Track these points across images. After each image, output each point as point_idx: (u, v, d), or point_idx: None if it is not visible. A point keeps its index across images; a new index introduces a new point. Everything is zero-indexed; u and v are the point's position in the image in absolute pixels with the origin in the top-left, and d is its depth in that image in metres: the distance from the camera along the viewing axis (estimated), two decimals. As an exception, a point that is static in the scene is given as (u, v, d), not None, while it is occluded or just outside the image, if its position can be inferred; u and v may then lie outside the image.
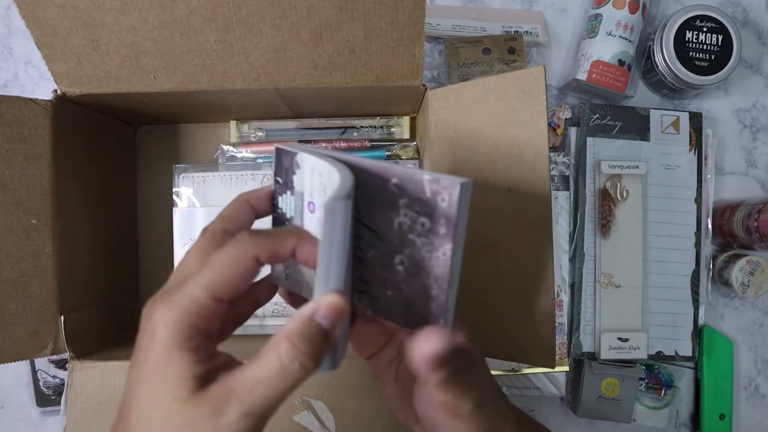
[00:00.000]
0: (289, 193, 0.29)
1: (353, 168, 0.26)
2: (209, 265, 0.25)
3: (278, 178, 0.30)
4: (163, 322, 0.24)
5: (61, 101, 0.43)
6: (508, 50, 0.61)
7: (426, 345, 0.25)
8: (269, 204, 0.30)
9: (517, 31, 0.63)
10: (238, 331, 0.31)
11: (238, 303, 0.30)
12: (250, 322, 0.32)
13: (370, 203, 0.27)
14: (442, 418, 0.28)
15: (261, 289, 0.31)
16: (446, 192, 0.25)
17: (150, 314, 0.25)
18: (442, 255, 0.26)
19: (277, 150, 0.29)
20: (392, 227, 0.27)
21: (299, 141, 0.56)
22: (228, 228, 0.28)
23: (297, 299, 0.32)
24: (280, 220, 0.30)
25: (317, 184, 0.27)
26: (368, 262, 0.28)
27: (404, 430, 0.42)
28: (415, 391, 0.31)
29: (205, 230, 0.28)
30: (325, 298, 0.24)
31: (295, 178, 0.29)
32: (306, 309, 0.24)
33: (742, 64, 0.64)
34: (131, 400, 0.25)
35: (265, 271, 0.31)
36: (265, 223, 0.31)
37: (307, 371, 0.24)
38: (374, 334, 0.33)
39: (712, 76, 0.59)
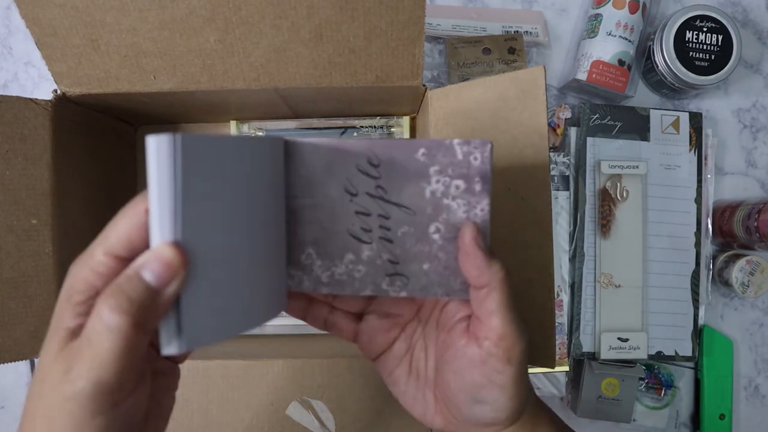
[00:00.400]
0: None
1: (373, 148, 0.27)
2: (109, 224, 0.24)
3: None
4: (66, 278, 0.24)
5: (61, 101, 0.43)
6: (508, 50, 0.61)
7: (465, 237, 0.27)
8: None
9: (517, 31, 0.63)
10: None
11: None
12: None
13: (395, 181, 0.28)
14: (491, 371, 0.28)
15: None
16: (478, 151, 0.27)
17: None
18: (480, 211, 0.28)
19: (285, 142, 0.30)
20: (424, 197, 0.28)
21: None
22: None
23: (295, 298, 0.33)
24: None
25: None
26: (399, 240, 0.29)
27: (404, 430, 0.42)
28: (446, 364, 0.30)
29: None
30: (155, 249, 0.22)
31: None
32: (133, 263, 0.23)
33: (742, 64, 0.64)
34: None
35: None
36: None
37: (127, 334, 0.22)
38: (385, 329, 0.32)
39: (712, 76, 0.59)
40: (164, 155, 0.21)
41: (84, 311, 0.23)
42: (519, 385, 0.28)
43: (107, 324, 0.22)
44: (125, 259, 0.23)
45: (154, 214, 0.21)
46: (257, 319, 0.27)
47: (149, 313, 0.22)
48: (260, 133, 0.56)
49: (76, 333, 0.23)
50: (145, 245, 0.23)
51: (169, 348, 0.22)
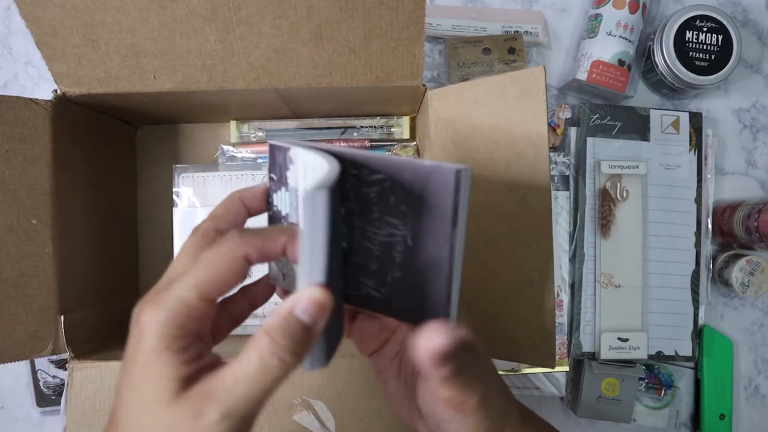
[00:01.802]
0: (283, 189, 0.29)
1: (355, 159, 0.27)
2: (198, 265, 0.25)
3: (272, 175, 0.30)
4: (150, 323, 0.24)
5: (61, 101, 0.43)
6: (508, 50, 0.61)
7: (430, 340, 0.24)
8: (263, 201, 0.30)
9: (517, 31, 0.63)
10: (238, 330, 0.31)
11: (235, 304, 0.30)
12: (249, 321, 0.32)
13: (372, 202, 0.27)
14: (447, 414, 0.28)
15: (258, 290, 0.31)
16: (442, 178, 0.24)
17: (138, 315, 0.25)
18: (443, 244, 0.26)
19: (271, 146, 0.29)
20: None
21: (301, 140, 0.56)
22: (220, 227, 0.28)
23: None
24: (275, 218, 0.30)
25: (310, 179, 0.26)
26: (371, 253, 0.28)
27: (404, 431, 0.42)
28: (418, 386, 0.30)
29: (196, 229, 0.28)
30: (306, 291, 0.23)
31: (288, 173, 0.28)
32: (286, 303, 0.24)
33: (742, 64, 0.64)
34: (119, 402, 0.25)
35: (263, 270, 0.31)
36: (260, 220, 0.31)
37: (287, 367, 0.23)
38: (375, 331, 0.32)
39: (712, 76, 0.59)
40: (317, 207, 0.22)
41: (191, 358, 0.24)
42: (481, 424, 0.28)
43: (276, 361, 0.23)
44: (215, 303, 0.25)
45: (304, 257, 0.23)
46: (342, 333, 0.31)
47: (307, 349, 0.24)
48: (260, 134, 0.56)
49: (189, 382, 0.23)
50: (232, 288, 0.25)
51: (313, 368, 0.26)
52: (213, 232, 0.28)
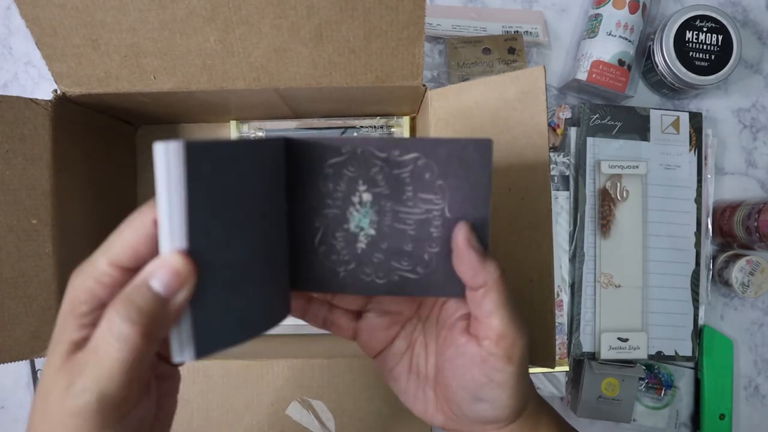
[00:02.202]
0: None
1: (373, 144, 0.28)
2: (113, 233, 0.24)
3: None
4: (68, 288, 0.24)
5: (61, 101, 0.43)
6: (508, 50, 0.61)
7: (458, 238, 0.27)
8: None
9: (517, 31, 0.63)
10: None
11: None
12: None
13: (393, 179, 0.28)
14: (491, 370, 0.28)
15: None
16: (476, 149, 0.28)
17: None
18: (477, 209, 0.29)
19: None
20: (421, 197, 0.28)
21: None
22: None
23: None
24: None
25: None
26: (398, 240, 0.29)
27: (404, 431, 0.42)
28: (446, 362, 0.30)
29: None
30: (164, 258, 0.22)
31: None
32: (142, 272, 0.22)
33: (742, 64, 0.64)
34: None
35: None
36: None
37: (134, 344, 0.21)
38: (385, 327, 0.32)
39: (712, 76, 0.59)
40: (171, 162, 0.20)
41: (89, 323, 0.23)
42: (520, 383, 0.28)
43: (117, 334, 0.21)
44: (130, 270, 0.23)
45: (162, 222, 0.21)
46: (266, 323, 0.27)
47: (158, 322, 0.22)
48: (260, 134, 0.56)
49: (80, 345, 0.23)
50: (151, 256, 0.23)
51: (181, 356, 0.22)
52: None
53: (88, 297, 0.23)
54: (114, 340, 0.21)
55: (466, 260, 0.27)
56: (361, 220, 0.29)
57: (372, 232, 0.29)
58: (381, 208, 0.28)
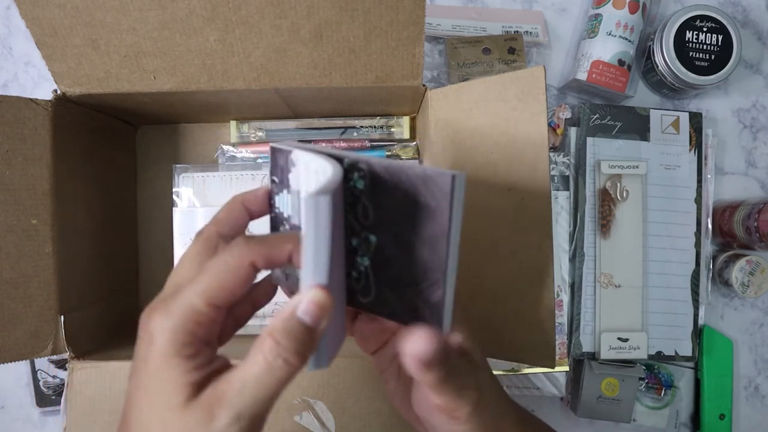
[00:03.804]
0: (285, 191, 0.29)
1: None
2: (205, 272, 0.25)
3: (274, 177, 0.30)
4: (160, 330, 0.24)
5: (61, 101, 0.43)
6: (508, 50, 0.61)
7: (414, 345, 0.24)
8: (264, 204, 0.30)
9: (517, 31, 0.63)
10: (239, 331, 0.31)
11: (238, 306, 0.30)
12: (250, 322, 0.32)
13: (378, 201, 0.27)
14: (440, 420, 0.29)
15: (260, 291, 0.31)
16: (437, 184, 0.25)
17: (147, 322, 0.25)
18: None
19: (272, 149, 0.30)
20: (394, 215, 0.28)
21: (299, 141, 0.56)
22: (222, 231, 0.29)
23: None
24: (277, 220, 0.30)
25: (313, 181, 0.27)
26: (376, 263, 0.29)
27: (403, 431, 0.42)
28: (412, 390, 0.31)
29: (199, 234, 0.28)
30: (308, 293, 0.24)
31: (290, 176, 0.29)
32: (288, 305, 0.24)
33: (742, 64, 0.64)
34: (130, 408, 0.25)
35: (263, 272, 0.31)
36: (262, 223, 0.31)
37: (292, 368, 0.24)
38: (376, 332, 0.33)
39: (712, 76, 0.59)
40: (318, 208, 0.22)
41: (201, 364, 0.24)
42: (479, 424, 0.29)
43: (280, 363, 0.23)
44: (224, 309, 0.25)
45: (306, 260, 0.23)
46: (345, 333, 0.31)
47: (310, 350, 0.24)
48: (260, 134, 0.56)
49: (200, 386, 0.24)
50: (242, 295, 0.25)
51: (317, 367, 0.26)
52: (216, 236, 0.28)
53: (191, 339, 0.24)
54: (278, 368, 0.23)
55: (415, 363, 0.25)
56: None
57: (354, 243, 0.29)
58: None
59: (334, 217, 0.24)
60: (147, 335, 0.24)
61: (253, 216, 0.30)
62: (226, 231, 0.29)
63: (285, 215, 0.30)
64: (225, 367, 0.25)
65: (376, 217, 0.27)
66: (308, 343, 0.24)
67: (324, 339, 0.25)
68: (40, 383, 0.60)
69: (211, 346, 0.26)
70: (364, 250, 0.28)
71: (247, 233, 0.29)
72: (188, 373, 0.24)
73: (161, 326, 0.24)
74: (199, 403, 0.23)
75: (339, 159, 0.27)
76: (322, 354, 0.25)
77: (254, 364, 0.23)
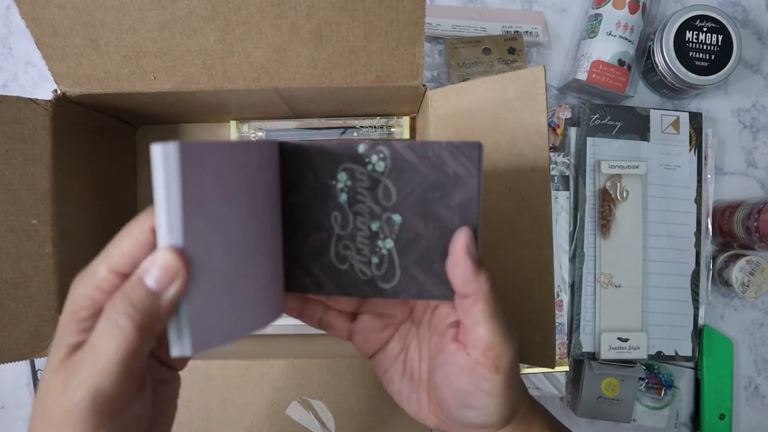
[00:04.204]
0: None
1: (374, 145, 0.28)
2: (112, 241, 0.24)
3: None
4: (69, 295, 0.25)
5: (61, 101, 0.43)
6: (508, 50, 0.61)
7: (457, 244, 0.27)
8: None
9: (517, 31, 0.63)
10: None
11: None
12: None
13: (390, 182, 0.28)
14: (478, 379, 0.28)
15: None
16: (466, 155, 0.27)
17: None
18: (471, 216, 0.28)
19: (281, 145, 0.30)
20: (416, 200, 0.28)
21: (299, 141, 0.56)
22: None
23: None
24: None
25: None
26: (391, 242, 0.29)
27: (404, 430, 0.42)
28: (437, 367, 0.30)
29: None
30: (157, 254, 0.22)
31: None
32: (137, 269, 0.23)
33: (742, 64, 0.64)
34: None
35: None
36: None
37: (128, 335, 0.22)
38: (379, 329, 0.33)
39: (712, 76, 0.59)
40: (168, 163, 0.21)
41: (88, 327, 0.24)
42: (508, 391, 0.28)
43: (113, 328, 0.22)
44: (129, 276, 0.24)
45: (159, 220, 0.22)
46: (261, 320, 0.28)
47: (152, 317, 0.23)
48: (260, 134, 0.56)
49: (77, 348, 0.24)
50: (140, 259, 0.24)
51: (179, 350, 0.23)
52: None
53: (88, 302, 0.24)
54: (110, 334, 0.22)
55: (461, 267, 0.27)
56: (367, 226, 0.29)
57: (369, 234, 0.29)
58: (381, 215, 0.29)
59: (229, 185, 0.23)
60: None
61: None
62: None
63: None
64: None
65: (399, 196, 0.28)
66: (149, 311, 0.22)
67: (183, 314, 0.23)
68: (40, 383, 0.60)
69: None
70: (386, 232, 0.29)
71: None
72: (70, 335, 0.24)
73: (70, 292, 0.24)
74: (66, 365, 0.23)
75: (353, 146, 0.28)
76: (182, 332, 0.23)
77: (98, 329, 0.23)
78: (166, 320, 0.23)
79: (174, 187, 0.21)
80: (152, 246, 0.23)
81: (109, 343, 0.22)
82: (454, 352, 0.29)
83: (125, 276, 0.24)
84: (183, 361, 0.29)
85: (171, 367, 0.29)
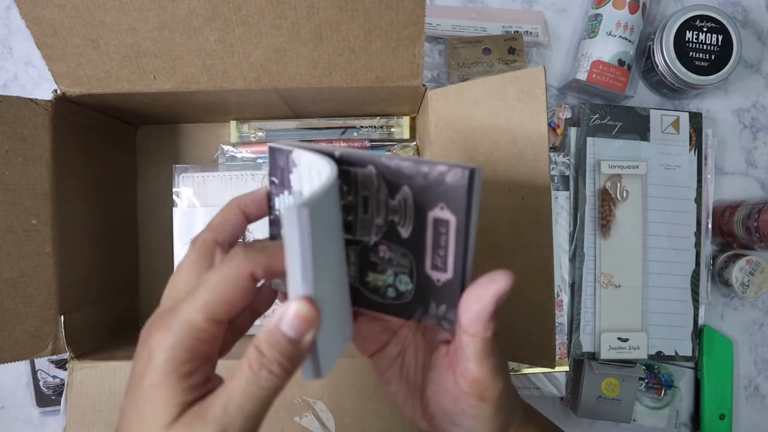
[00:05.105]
0: (286, 192, 0.29)
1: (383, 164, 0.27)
2: (204, 286, 0.24)
3: (273, 179, 0.29)
4: (159, 347, 0.24)
5: (61, 101, 0.43)
6: (508, 50, 0.61)
7: (503, 281, 0.25)
8: (262, 207, 0.30)
9: (517, 31, 0.63)
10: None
11: (238, 315, 0.30)
12: (257, 321, 0.32)
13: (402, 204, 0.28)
14: (464, 405, 0.28)
15: (260, 298, 0.30)
16: (459, 177, 0.26)
17: (147, 338, 0.24)
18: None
19: (271, 149, 0.29)
20: (426, 227, 0.28)
21: (299, 141, 0.56)
22: (219, 237, 0.28)
23: None
24: (277, 222, 0.30)
25: (316, 181, 0.26)
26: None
27: (404, 430, 0.42)
28: (429, 381, 0.30)
29: (194, 241, 0.28)
30: (291, 305, 0.23)
31: (292, 177, 0.28)
32: (273, 317, 0.23)
33: (742, 64, 0.64)
34: (123, 424, 0.25)
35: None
36: (261, 225, 0.31)
37: (278, 380, 0.23)
38: (377, 332, 0.33)
39: (712, 76, 0.59)
40: (302, 226, 0.22)
41: (196, 383, 0.24)
42: (496, 416, 0.28)
43: (266, 375, 0.23)
44: (225, 323, 0.25)
45: (290, 271, 0.23)
46: (347, 341, 0.29)
47: (295, 362, 0.23)
48: (260, 134, 0.56)
49: (191, 406, 0.23)
50: (243, 307, 0.25)
51: (312, 376, 0.25)
52: (212, 243, 0.28)
53: (191, 356, 0.24)
54: (262, 379, 0.23)
55: (480, 309, 0.26)
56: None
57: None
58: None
59: (327, 223, 0.23)
60: (146, 351, 0.24)
61: (251, 219, 0.30)
62: (222, 237, 0.28)
63: None
64: (220, 384, 0.25)
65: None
66: (293, 356, 0.23)
67: (316, 348, 0.24)
68: (40, 383, 0.60)
69: (211, 362, 0.25)
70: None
71: (247, 234, 0.29)
72: (182, 393, 0.23)
73: (161, 342, 0.24)
74: (184, 420, 0.23)
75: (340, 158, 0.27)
76: (316, 363, 0.25)
77: (240, 376, 0.23)
78: (302, 363, 0.24)
79: (306, 245, 0.22)
80: (249, 292, 0.24)
81: (260, 389, 0.23)
82: (444, 374, 0.29)
83: (222, 324, 0.24)
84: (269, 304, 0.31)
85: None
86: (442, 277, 0.27)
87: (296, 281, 0.23)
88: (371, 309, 0.30)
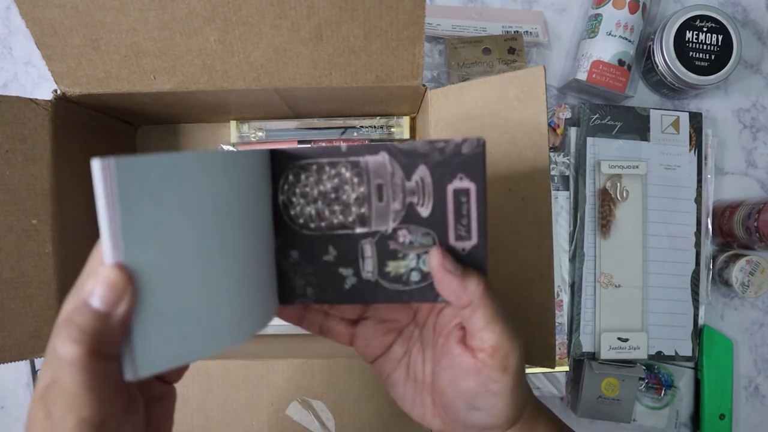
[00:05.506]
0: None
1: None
2: (83, 274, 0.23)
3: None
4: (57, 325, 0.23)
5: (61, 101, 0.43)
6: (508, 50, 0.61)
7: (434, 251, 0.27)
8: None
9: (517, 31, 0.63)
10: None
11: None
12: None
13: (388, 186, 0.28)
14: (486, 379, 0.28)
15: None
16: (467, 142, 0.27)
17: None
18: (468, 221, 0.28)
19: (272, 152, 0.29)
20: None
21: (299, 141, 0.56)
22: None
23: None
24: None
25: None
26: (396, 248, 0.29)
27: (404, 431, 0.43)
28: (442, 369, 0.30)
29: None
30: (98, 273, 0.21)
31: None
32: (79, 291, 0.22)
33: (742, 64, 0.64)
34: None
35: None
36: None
37: (88, 362, 0.21)
38: (382, 334, 0.32)
39: (712, 76, 0.59)
40: (104, 179, 0.20)
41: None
42: (516, 391, 0.28)
43: (63, 357, 0.21)
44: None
45: (102, 237, 0.21)
46: (226, 340, 0.25)
47: (104, 338, 0.21)
48: (260, 134, 0.56)
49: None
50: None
51: (133, 374, 0.22)
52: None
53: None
54: (63, 363, 0.21)
55: (445, 284, 0.27)
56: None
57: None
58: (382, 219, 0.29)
59: (184, 194, 0.22)
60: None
61: None
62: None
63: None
64: None
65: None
66: (102, 334, 0.21)
67: (135, 334, 0.21)
68: (40, 383, 0.60)
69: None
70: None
71: None
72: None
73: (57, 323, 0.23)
74: (44, 397, 0.22)
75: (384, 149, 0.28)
76: (134, 351, 0.21)
77: (50, 358, 0.21)
78: (120, 339, 0.21)
79: (112, 203, 0.20)
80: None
81: (68, 373, 0.21)
82: (460, 355, 0.29)
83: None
84: (178, 373, 0.28)
85: (164, 381, 0.28)
86: (467, 245, 0.28)
87: (106, 245, 0.21)
88: (394, 301, 0.29)
